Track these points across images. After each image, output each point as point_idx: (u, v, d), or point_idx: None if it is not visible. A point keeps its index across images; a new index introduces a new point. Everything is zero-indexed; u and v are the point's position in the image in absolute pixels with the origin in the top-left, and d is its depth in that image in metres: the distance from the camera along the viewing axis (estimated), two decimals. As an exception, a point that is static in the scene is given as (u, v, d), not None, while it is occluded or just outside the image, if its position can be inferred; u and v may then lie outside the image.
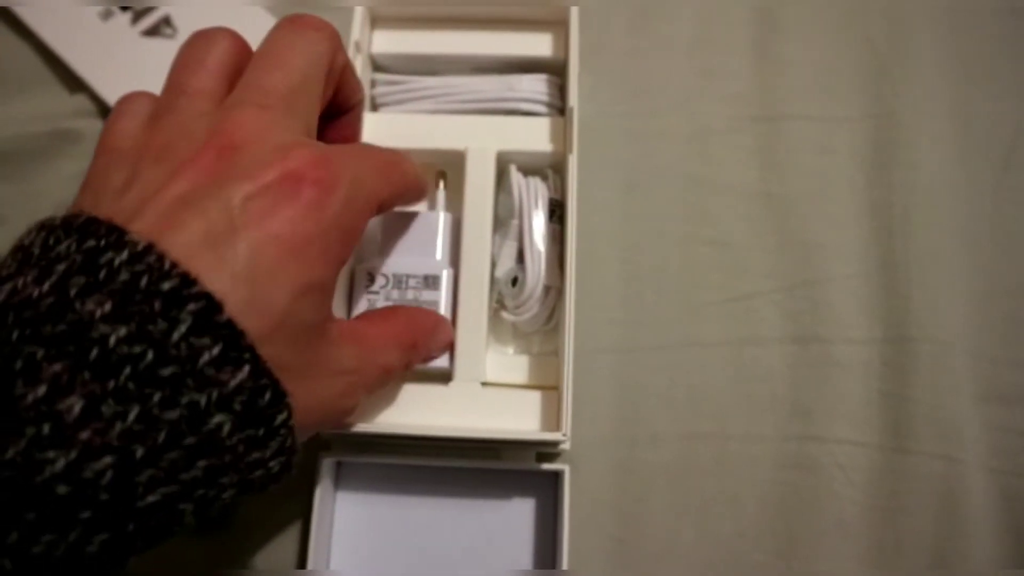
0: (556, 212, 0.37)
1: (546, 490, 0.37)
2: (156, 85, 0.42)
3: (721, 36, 0.45)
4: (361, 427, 0.33)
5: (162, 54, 0.42)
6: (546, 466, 0.35)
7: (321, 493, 0.34)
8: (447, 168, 0.39)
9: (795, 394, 0.38)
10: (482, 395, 0.35)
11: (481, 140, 0.38)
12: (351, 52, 0.38)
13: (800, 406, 0.38)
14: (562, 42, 0.40)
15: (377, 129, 0.39)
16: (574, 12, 0.39)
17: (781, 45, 0.45)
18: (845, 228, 0.41)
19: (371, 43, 0.41)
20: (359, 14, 0.38)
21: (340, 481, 0.37)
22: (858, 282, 0.40)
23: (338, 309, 0.35)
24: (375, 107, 0.41)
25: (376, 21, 0.41)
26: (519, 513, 0.36)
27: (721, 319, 0.40)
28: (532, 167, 0.39)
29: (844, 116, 0.43)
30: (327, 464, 0.35)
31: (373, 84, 0.41)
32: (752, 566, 0.36)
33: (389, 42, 0.41)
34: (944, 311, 0.39)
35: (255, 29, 0.44)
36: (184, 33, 0.43)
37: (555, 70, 0.41)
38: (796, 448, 0.38)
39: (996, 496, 0.37)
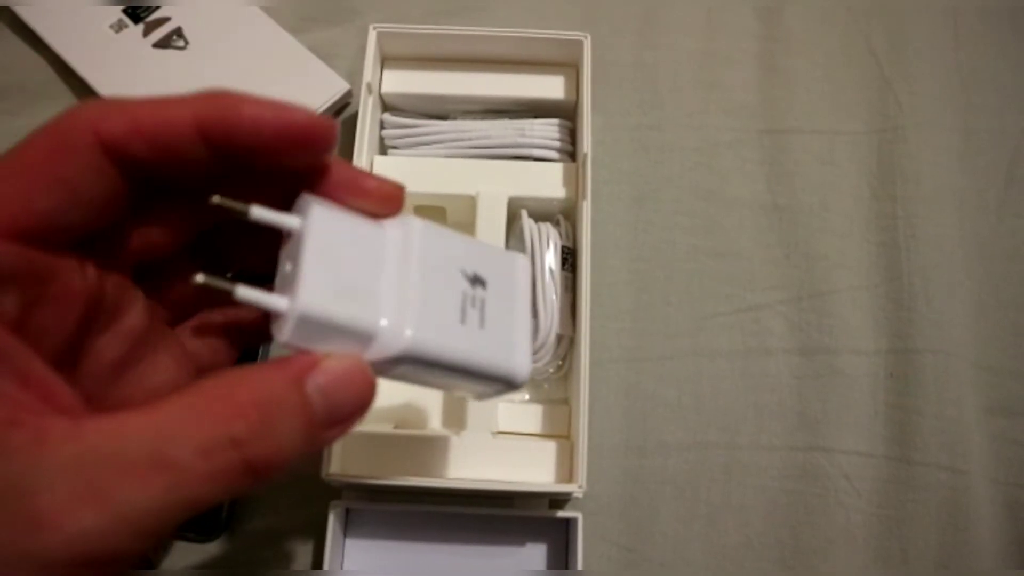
0: (568, 260, 0.37)
1: (559, 535, 0.36)
2: (167, 95, 0.43)
3: (728, 50, 0.46)
4: (371, 479, 0.32)
5: (173, 65, 0.43)
6: (560, 513, 0.35)
7: (331, 541, 0.34)
8: (457, 212, 0.39)
9: (802, 404, 0.39)
10: (495, 445, 0.34)
11: (492, 185, 0.38)
12: (362, 93, 0.38)
13: (807, 416, 0.39)
14: (573, 84, 0.40)
15: (387, 172, 0.38)
16: (586, 57, 0.38)
17: (787, 59, 0.45)
18: (850, 240, 0.42)
19: (381, 83, 0.40)
20: (370, 54, 0.38)
21: (350, 528, 0.36)
22: (864, 294, 0.41)
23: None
24: (385, 150, 0.41)
25: (387, 61, 0.41)
26: (531, 559, 0.36)
27: (729, 330, 0.40)
28: (543, 213, 0.39)
29: (849, 130, 0.44)
30: (336, 512, 0.34)
31: (383, 126, 0.41)
32: (759, 574, 0.37)
33: (399, 82, 0.40)
34: (949, 323, 0.40)
35: (259, 30, 0.45)
36: (195, 45, 0.43)
37: (566, 112, 0.41)
38: (803, 458, 0.38)
39: (1001, 507, 0.38)
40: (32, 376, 0.15)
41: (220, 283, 0.18)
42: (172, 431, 0.15)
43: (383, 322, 0.19)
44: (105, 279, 0.19)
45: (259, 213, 0.18)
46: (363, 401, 0.18)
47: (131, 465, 0.14)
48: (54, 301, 0.17)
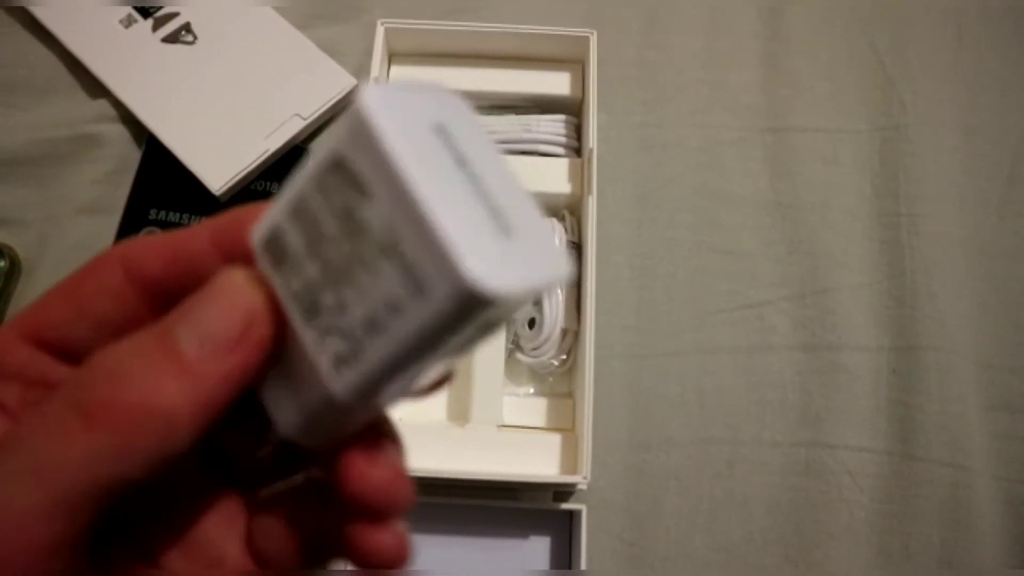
0: (573, 254, 0.38)
1: (562, 528, 0.36)
2: (175, 89, 0.43)
3: (731, 49, 0.46)
4: None
5: (182, 60, 0.43)
6: (564, 506, 0.35)
7: None
8: None
9: (805, 401, 0.39)
10: (499, 439, 0.35)
11: None
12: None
13: (810, 412, 0.39)
14: (579, 81, 0.41)
15: None
16: (592, 54, 0.39)
17: (789, 59, 0.46)
18: (853, 238, 0.42)
19: (388, 78, 0.41)
20: (378, 49, 0.39)
21: None
22: (866, 291, 0.41)
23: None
24: None
25: (394, 57, 0.41)
26: (535, 552, 0.36)
27: (732, 326, 0.40)
28: (549, 208, 0.39)
29: (852, 128, 0.44)
30: None
31: None
32: (761, 569, 0.37)
33: (406, 77, 0.41)
34: (951, 320, 0.40)
35: (267, 26, 0.45)
36: (203, 40, 0.44)
37: (572, 109, 0.41)
38: (806, 454, 0.38)
39: (1002, 502, 0.38)
40: None
41: None
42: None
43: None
44: None
45: None
46: (233, 314, 0.15)
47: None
48: None
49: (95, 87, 0.44)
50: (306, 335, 0.15)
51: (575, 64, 0.41)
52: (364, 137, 0.13)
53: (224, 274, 0.15)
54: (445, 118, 0.14)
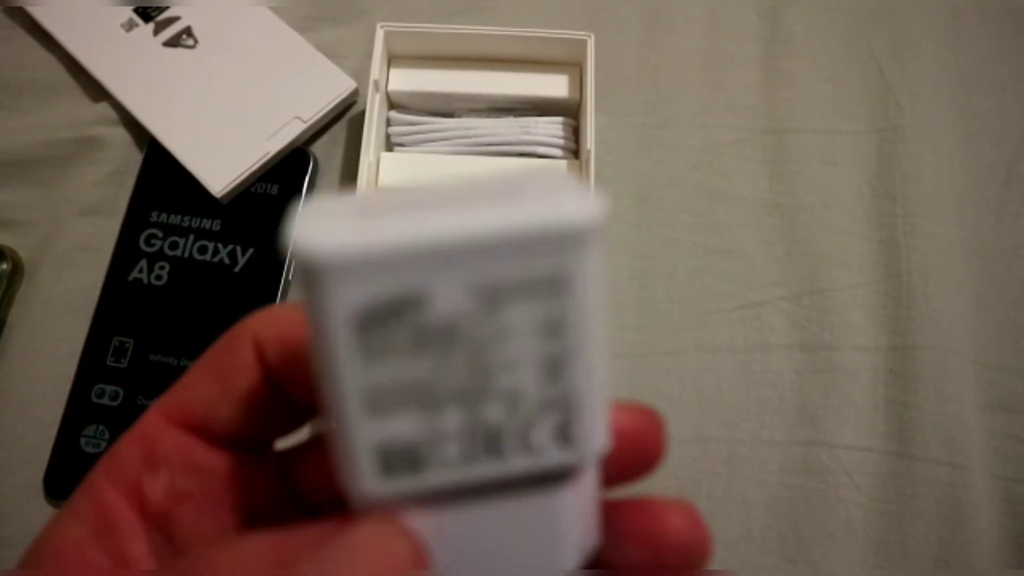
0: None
1: None
2: (176, 94, 0.44)
3: (731, 51, 0.46)
4: None
5: (183, 64, 0.44)
6: None
7: None
8: None
9: (803, 400, 0.39)
10: None
11: None
12: (369, 91, 0.38)
13: (807, 412, 0.39)
14: (578, 83, 0.41)
15: (394, 169, 0.40)
16: (590, 57, 0.39)
17: (789, 61, 0.46)
18: (851, 238, 0.42)
19: (388, 81, 0.41)
20: (377, 52, 0.39)
21: None
22: (864, 291, 0.41)
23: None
24: (391, 147, 0.42)
25: (393, 59, 0.42)
26: None
27: (730, 326, 0.41)
28: None
29: (850, 129, 0.44)
30: None
31: (389, 123, 0.42)
32: (759, 568, 0.37)
33: (406, 80, 0.41)
34: (948, 320, 0.40)
35: (267, 29, 0.45)
36: (204, 44, 0.44)
37: (570, 111, 0.42)
38: (803, 453, 0.38)
39: (999, 502, 0.38)
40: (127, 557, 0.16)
41: None
42: None
43: None
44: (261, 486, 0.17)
45: None
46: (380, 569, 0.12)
47: None
48: (200, 500, 0.16)
49: (97, 90, 0.44)
50: (510, 461, 0.13)
51: (573, 67, 0.41)
52: (336, 269, 0.11)
53: (362, 527, 0.13)
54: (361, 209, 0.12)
